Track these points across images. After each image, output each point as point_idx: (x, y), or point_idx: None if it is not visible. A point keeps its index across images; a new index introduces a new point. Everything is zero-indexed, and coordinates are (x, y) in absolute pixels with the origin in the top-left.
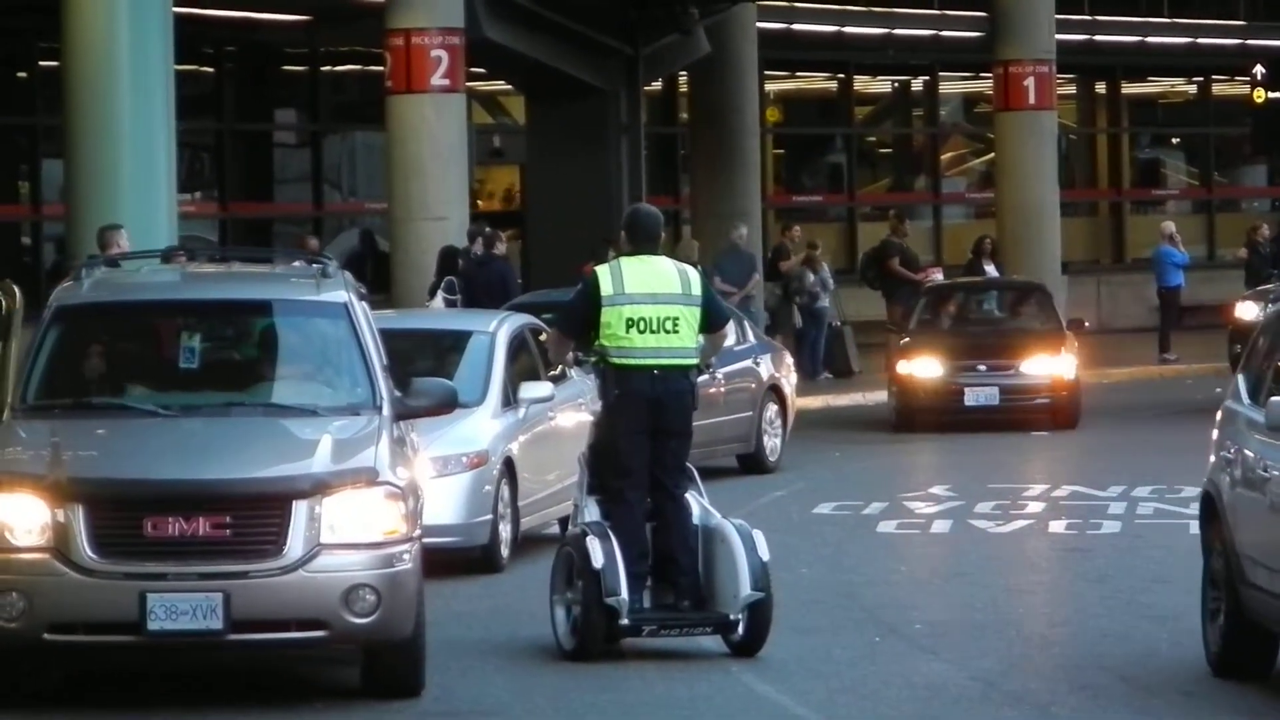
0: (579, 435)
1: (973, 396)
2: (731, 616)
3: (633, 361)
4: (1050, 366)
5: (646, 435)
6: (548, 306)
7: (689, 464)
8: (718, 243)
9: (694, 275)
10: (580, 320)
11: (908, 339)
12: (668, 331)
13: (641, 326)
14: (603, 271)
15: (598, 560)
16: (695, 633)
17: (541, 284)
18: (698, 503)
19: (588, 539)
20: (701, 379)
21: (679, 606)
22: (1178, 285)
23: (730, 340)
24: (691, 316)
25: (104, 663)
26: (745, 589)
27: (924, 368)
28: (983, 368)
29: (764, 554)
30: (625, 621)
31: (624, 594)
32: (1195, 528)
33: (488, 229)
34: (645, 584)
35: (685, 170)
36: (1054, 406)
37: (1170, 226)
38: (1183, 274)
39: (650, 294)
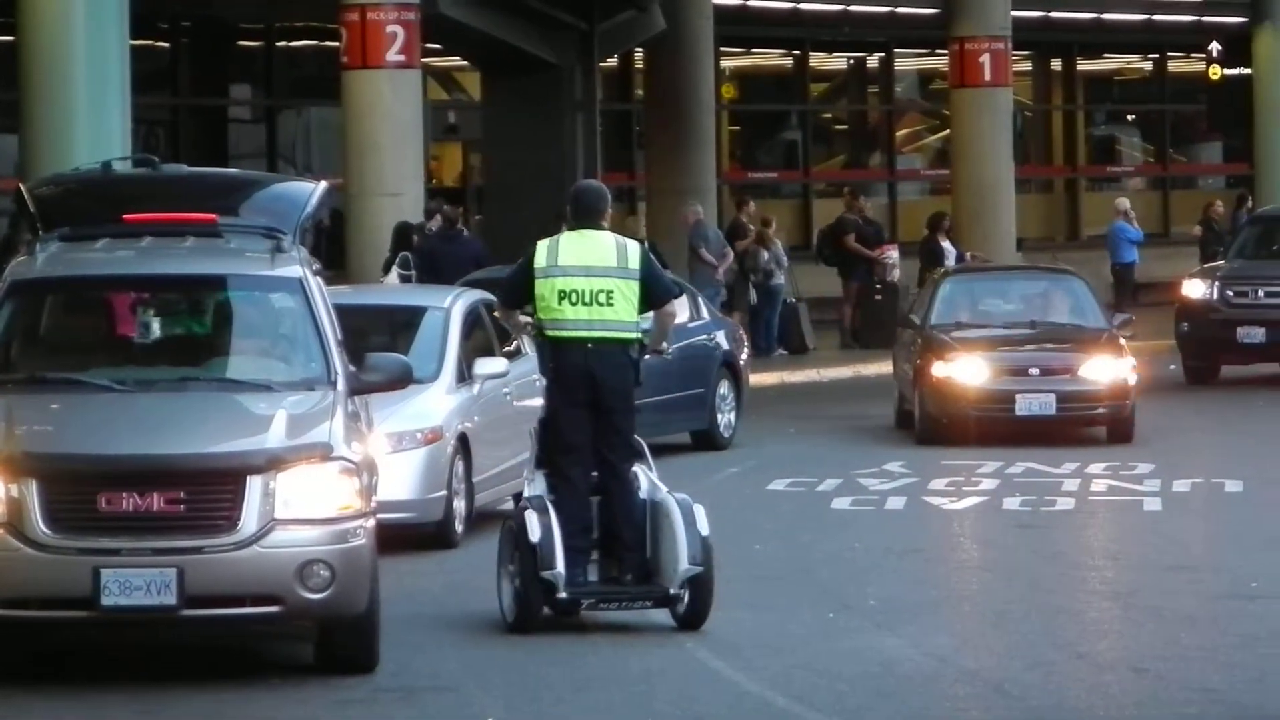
0: (533, 411)
1: (1025, 404)
2: (672, 590)
3: (565, 333)
4: (1110, 371)
5: (586, 410)
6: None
7: (639, 439)
8: (673, 219)
9: (634, 249)
10: (516, 292)
11: (930, 335)
12: (600, 304)
13: (573, 299)
14: (541, 245)
15: (534, 534)
16: (635, 606)
17: (495, 260)
18: (646, 477)
19: (525, 513)
20: (655, 359)
21: (622, 580)
22: (1132, 262)
23: (684, 317)
24: (628, 290)
25: (57, 638)
26: (683, 563)
27: (966, 370)
28: (1035, 371)
29: (704, 528)
30: (563, 595)
31: (559, 567)
32: (1149, 505)
33: (445, 206)
34: (590, 558)
35: (640, 147)
36: (1112, 417)
37: (1125, 203)
38: (1137, 250)
39: (584, 266)
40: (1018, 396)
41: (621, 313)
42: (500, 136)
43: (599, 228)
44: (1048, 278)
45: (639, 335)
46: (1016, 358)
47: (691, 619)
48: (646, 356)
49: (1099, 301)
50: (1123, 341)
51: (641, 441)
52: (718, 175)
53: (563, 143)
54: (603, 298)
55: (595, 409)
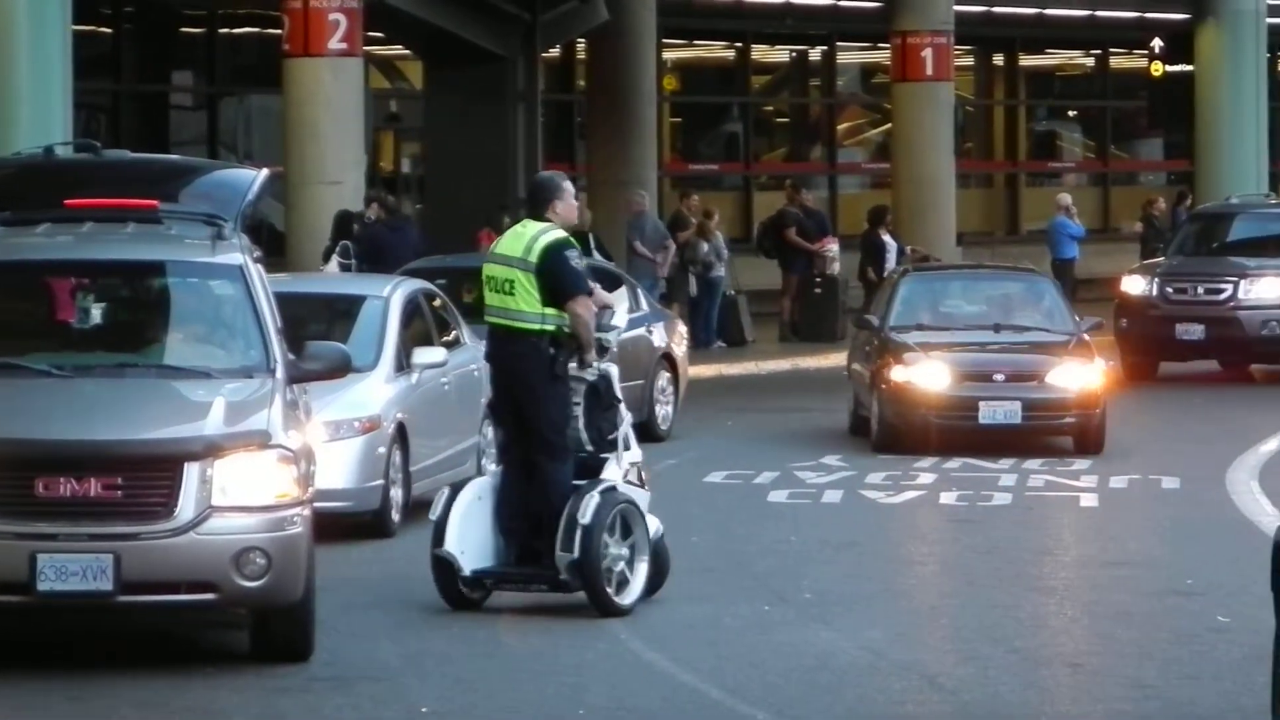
0: (472, 401)
1: (989, 412)
2: (561, 576)
3: (487, 318)
4: (1079, 378)
5: (508, 395)
6: (442, 271)
7: (627, 421)
8: (614, 210)
9: (542, 242)
10: None
11: (888, 337)
12: (504, 293)
13: (491, 285)
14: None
15: (434, 513)
16: (530, 589)
17: (436, 249)
18: (613, 465)
19: (437, 492)
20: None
21: (544, 564)
22: (1072, 258)
23: (623, 308)
24: (527, 281)
25: None
26: (558, 550)
27: (927, 376)
28: (1000, 377)
29: (585, 518)
30: (465, 573)
31: (447, 545)
32: (1085, 501)
33: (385, 195)
34: (532, 540)
35: (582, 138)
36: (1081, 426)
37: (1066, 198)
38: (1077, 246)
39: (503, 255)
40: (981, 404)
41: (521, 303)
42: (442, 126)
43: (541, 219)
44: (1013, 278)
45: (547, 328)
46: (980, 362)
47: (594, 605)
48: (574, 365)
49: (1067, 304)
50: (1090, 341)
51: (625, 425)
52: (659, 167)
53: (504, 133)
54: (507, 286)
55: (512, 398)
